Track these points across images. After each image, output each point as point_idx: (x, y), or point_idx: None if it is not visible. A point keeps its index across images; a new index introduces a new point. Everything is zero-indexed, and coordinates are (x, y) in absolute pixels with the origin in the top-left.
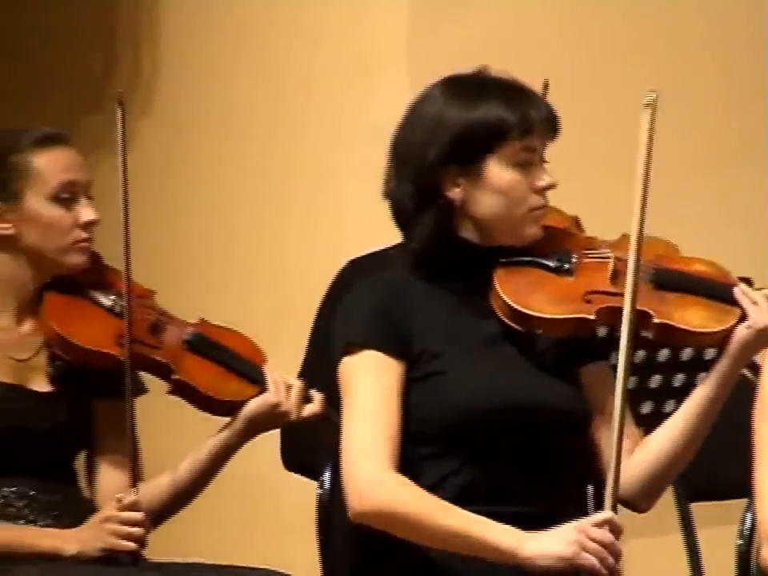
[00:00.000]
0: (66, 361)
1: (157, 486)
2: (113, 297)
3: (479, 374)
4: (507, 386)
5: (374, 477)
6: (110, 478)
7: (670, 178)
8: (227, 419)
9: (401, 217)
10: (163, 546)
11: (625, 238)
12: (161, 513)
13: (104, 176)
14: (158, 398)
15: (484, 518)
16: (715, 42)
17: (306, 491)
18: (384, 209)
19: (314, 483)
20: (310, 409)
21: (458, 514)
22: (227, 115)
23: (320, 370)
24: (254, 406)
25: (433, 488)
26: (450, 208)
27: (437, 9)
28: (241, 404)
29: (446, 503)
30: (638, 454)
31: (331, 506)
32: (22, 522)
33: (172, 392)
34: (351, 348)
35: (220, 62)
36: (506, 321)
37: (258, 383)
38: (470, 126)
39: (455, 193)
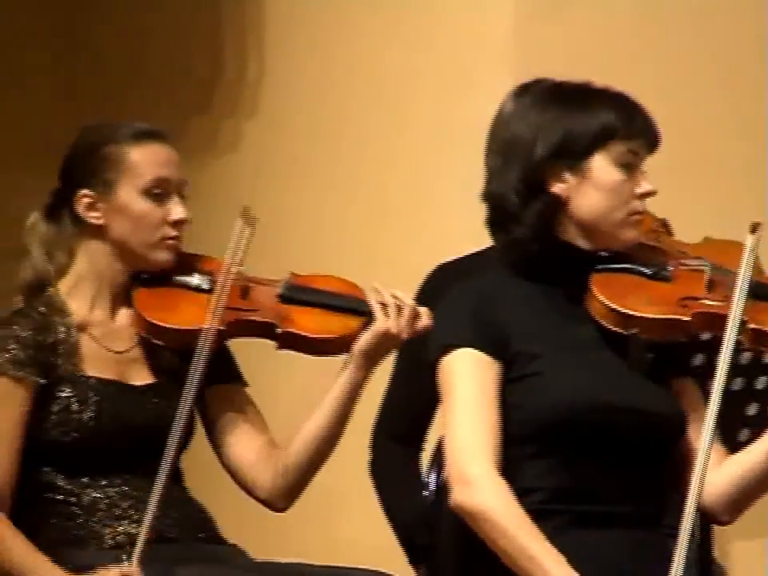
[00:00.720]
0: (168, 348)
1: (295, 446)
2: (197, 275)
3: (576, 376)
4: (604, 388)
5: (476, 476)
6: (245, 449)
7: None
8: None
9: (502, 215)
10: (267, 547)
11: (709, 242)
12: (306, 469)
13: (209, 177)
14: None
15: (558, 555)
16: None
17: None
18: (482, 211)
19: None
20: (421, 324)
21: (538, 540)
22: (330, 116)
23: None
24: (366, 337)
25: (529, 489)
26: (555, 204)
27: (540, 8)
28: (351, 338)
29: (533, 527)
30: (725, 468)
31: (437, 508)
32: (125, 522)
33: (280, 347)
34: (449, 349)
35: (323, 64)
36: (604, 323)
37: (362, 314)
38: (579, 122)
39: (560, 189)
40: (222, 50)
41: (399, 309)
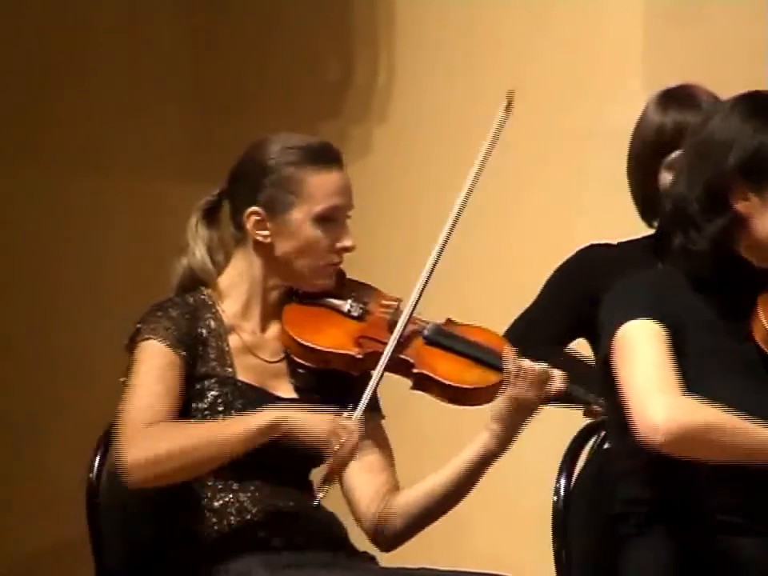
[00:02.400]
0: (308, 367)
1: (413, 494)
2: (350, 301)
3: (733, 392)
4: (762, 407)
5: (670, 401)
6: (364, 481)
7: None
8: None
9: (683, 217)
10: (397, 553)
11: None
12: (416, 522)
13: None
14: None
15: None
16: None
17: (540, 497)
18: (618, 212)
19: (550, 490)
20: (553, 389)
21: (751, 424)
22: (460, 121)
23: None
24: (497, 405)
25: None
26: (737, 220)
27: (672, 11)
28: (487, 392)
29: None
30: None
31: (566, 514)
32: (256, 527)
33: (414, 387)
34: (625, 321)
35: (454, 68)
36: (762, 345)
37: (501, 369)
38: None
39: (743, 206)
40: (352, 55)
41: (525, 373)
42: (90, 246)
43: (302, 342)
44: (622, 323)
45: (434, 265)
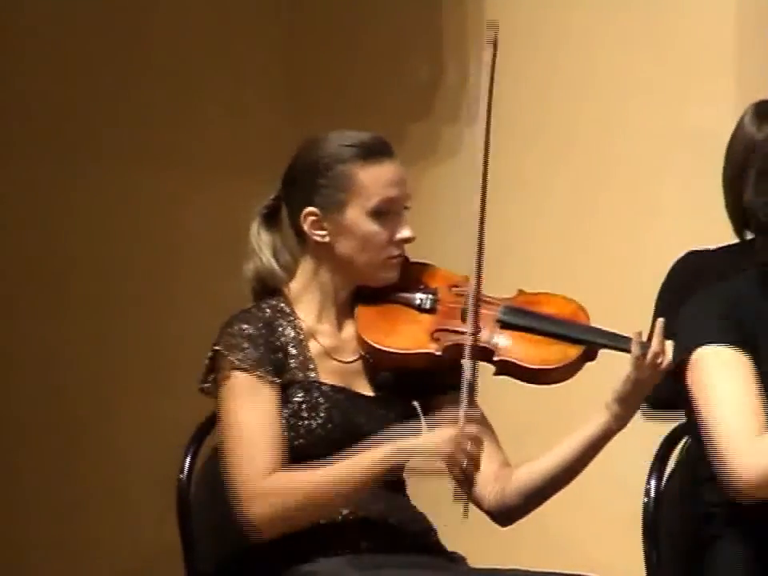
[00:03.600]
0: (388, 369)
1: (529, 473)
2: (422, 294)
3: None
4: None
5: (750, 449)
6: (482, 463)
7: None
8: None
9: (756, 225)
10: (489, 554)
11: None
12: (533, 499)
13: (429, 183)
14: None
15: None
16: None
17: (630, 499)
18: (702, 213)
19: (640, 492)
20: (665, 360)
21: None
22: (551, 120)
23: None
24: (620, 387)
25: None
26: None
27: (764, 11)
28: (568, 368)
29: None
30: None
31: (656, 515)
32: (346, 528)
33: (497, 373)
34: (701, 345)
35: (545, 68)
36: None
37: (581, 341)
38: None
39: None
40: (442, 56)
41: (654, 353)
42: (173, 244)
43: (381, 347)
44: (696, 347)
45: (481, 242)
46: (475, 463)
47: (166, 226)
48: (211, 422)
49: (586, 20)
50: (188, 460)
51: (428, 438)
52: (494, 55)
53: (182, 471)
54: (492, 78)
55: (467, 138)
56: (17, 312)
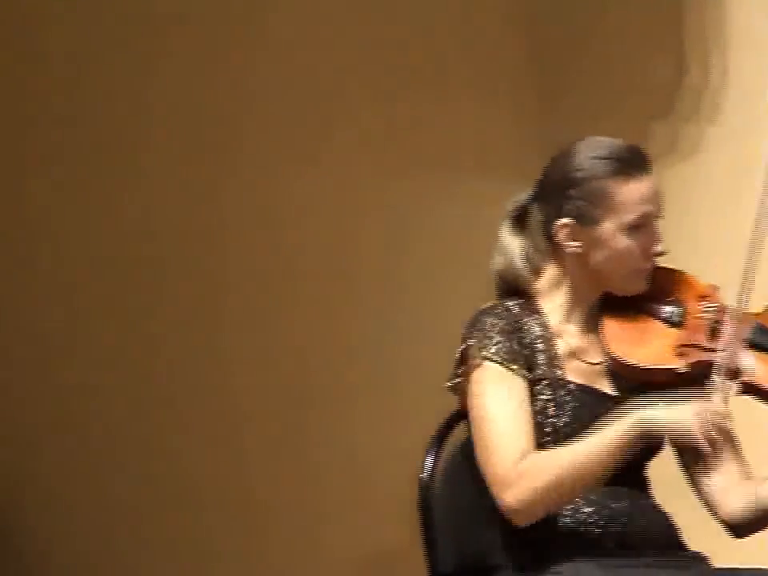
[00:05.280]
0: (630, 380)
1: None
2: (669, 306)
3: None
4: None
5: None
6: (722, 471)
7: None
8: None
9: None
10: (732, 554)
11: None
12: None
13: (671, 182)
14: None
15: None
16: None
17: None
18: None
19: None
20: None
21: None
22: None
23: None
24: None
25: None
26: None
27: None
28: None
29: None
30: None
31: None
32: (589, 528)
33: (740, 392)
34: None
35: None
36: None
37: None
38: None
39: None
40: (683, 56)
41: None
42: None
43: (625, 360)
44: None
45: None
46: (726, 438)
47: (413, 227)
48: (454, 421)
49: None
50: (429, 459)
51: (677, 409)
52: None
53: (423, 471)
54: None
55: (708, 137)
56: (244, 318)
